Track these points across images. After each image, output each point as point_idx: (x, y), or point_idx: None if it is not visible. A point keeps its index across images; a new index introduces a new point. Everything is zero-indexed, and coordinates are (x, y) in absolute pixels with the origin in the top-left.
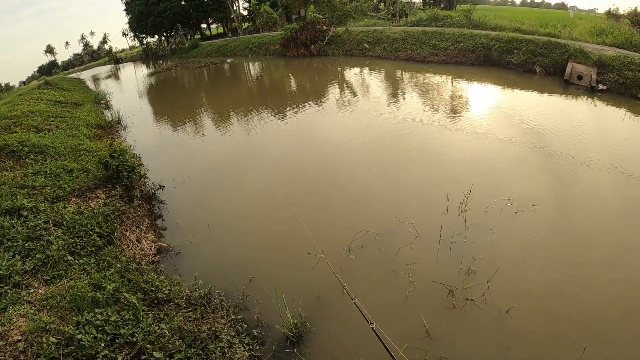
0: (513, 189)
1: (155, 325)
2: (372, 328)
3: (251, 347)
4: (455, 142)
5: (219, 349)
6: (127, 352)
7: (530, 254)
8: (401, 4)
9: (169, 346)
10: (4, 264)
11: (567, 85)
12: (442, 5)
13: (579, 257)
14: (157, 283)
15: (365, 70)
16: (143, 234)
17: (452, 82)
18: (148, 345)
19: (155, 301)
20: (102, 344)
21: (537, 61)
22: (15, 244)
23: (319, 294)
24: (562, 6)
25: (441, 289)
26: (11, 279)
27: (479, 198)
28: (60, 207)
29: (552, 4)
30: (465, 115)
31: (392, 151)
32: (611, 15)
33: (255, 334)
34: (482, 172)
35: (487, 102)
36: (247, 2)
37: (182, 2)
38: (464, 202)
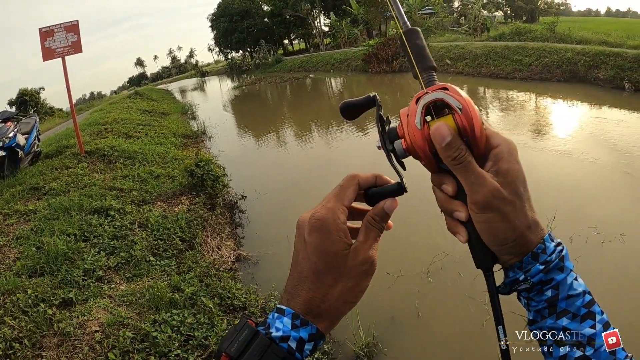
0: (599, 215)
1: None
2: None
3: None
4: (538, 163)
5: None
6: (199, 354)
7: (618, 289)
8: (482, 18)
9: None
10: (89, 258)
11: None
12: (524, 18)
13: None
14: (234, 290)
15: None
16: (223, 241)
17: (535, 100)
18: None
19: (231, 307)
20: (176, 344)
21: (625, 76)
22: (101, 241)
23: (394, 315)
24: None
25: (519, 319)
26: (95, 273)
27: (563, 224)
28: (146, 210)
29: None
30: (549, 135)
31: None
32: None
33: (326, 349)
34: (566, 195)
35: (572, 120)
36: (328, 19)
37: (265, 20)
38: (548, 228)
